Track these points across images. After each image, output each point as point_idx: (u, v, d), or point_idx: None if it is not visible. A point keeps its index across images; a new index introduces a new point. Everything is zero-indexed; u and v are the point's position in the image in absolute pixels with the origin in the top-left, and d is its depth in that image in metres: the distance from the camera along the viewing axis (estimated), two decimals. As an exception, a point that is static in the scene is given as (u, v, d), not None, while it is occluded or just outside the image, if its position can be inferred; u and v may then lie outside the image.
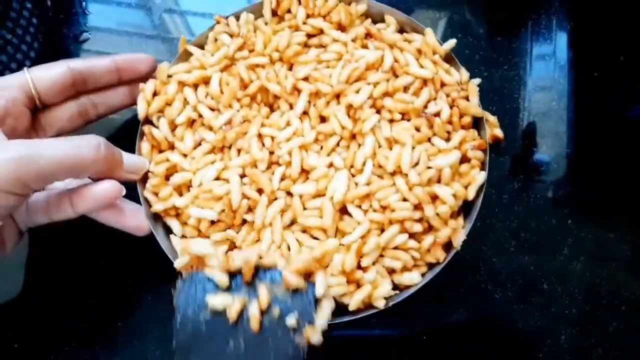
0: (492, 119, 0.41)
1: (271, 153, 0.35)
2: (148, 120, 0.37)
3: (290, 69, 0.37)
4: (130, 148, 0.36)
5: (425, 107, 0.36)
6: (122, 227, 0.34)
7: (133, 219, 0.34)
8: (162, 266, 0.34)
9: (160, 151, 0.37)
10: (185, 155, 0.36)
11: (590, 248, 0.41)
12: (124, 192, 0.33)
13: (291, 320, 0.30)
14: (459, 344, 0.40)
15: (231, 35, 0.37)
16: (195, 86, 0.37)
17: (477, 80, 0.42)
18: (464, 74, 0.37)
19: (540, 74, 0.46)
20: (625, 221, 0.42)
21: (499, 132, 0.41)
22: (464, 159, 0.35)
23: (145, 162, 0.35)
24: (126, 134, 0.37)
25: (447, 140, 0.35)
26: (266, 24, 0.39)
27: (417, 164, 0.34)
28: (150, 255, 0.35)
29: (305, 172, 0.35)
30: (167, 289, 0.33)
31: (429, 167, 0.34)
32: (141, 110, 0.36)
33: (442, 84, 0.37)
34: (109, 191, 0.32)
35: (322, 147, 0.35)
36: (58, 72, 0.34)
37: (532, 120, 0.44)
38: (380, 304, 0.33)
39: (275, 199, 0.34)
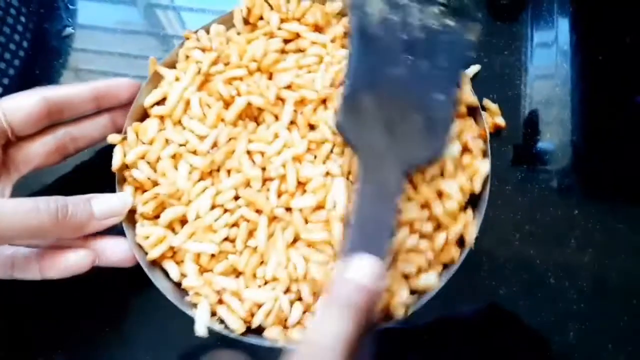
0: (493, 106, 0.40)
1: (263, 169, 0.33)
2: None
3: (270, 78, 0.35)
4: (109, 180, 0.34)
5: None
6: (104, 265, 0.32)
7: (115, 254, 0.32)
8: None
9: (144, 192, 0.34)
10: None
11: (599, 239, 0.39)
12: (97, 261, 0.32)
13: (450, 22, 0.33)
14: (461, 341, 0.38)
15: (203, 50, 0.35)
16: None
17: (477, 67, 0.41)
18: None
19: (542, 59, 0.44)
20: (635, 210, 0.40)
21: (500, 121, 0.40)
22: (465, 150, 0.34)
23: (127, 201, 0.33)
24: (104, 164, 0.34)
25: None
26: (239, 34, 0.37)
27: None
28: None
29: (301, 185, 0.33)
30: (158, 294, 0.31)
31: None
32: (116, 162, 0.34)
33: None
34: (80, 263, 0.31)
35: (315, 157, 0.33)
36: (32, 102, 0.32)
37: (534, 108, 0.42)
38: (400, 312, 0.31)
39: (275, 217, 0.33)
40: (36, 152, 0.34)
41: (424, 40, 0.32)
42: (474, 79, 0.41)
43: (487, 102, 0.40)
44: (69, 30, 0.45)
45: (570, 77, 0.43)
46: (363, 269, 0.26)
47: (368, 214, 0.29)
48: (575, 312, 0.38)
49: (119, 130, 0.35)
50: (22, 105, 0.32)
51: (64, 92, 0.33)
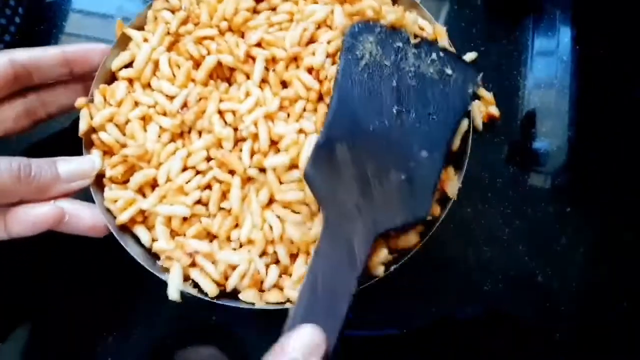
0: (488, 95, 0.38)
1: (235, 129, 0.32)
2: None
3: (242, 37, 0.34)
4: (77, 150, 0.33)
5: None
6: (72, 232, 0.31)
7: (85, 220, 0.31)
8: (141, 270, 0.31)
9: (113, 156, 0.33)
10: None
11: (591, 238, 0.37)
12: (67, 217, 0.30)
13: (448, 70, 0.30)
14: (444, 340, 0.36)
15: (172, 11, 0.34)
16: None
17: (473, 54, 0.40)
18: (429, 18, 0.35)
19: (541, 50, 0.42)
20: (629, 210, 0.38)
21: (494, 110, 0.38)
22: None
23: (95, 162, 0.32)
24: (72, 133, 0.33)
25: None
26: (209, -6, 0.36)
27: None
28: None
29: (274, 144, 0.32)
30: (150, 294, 0.30)
31: None
32: (83, 126, 0.32)
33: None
34: (47, 216, 0.29)
35: (288, 115, 0.33)
36: None
37: (531, 100, 0.40)
38: (380, 271, 0.31)
39: (249, 178, 0.32)
40: (4, 116, 0.32)
41: (416, 89, 0.30)
42: None
43: (481, 91, 0.39)
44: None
45: (569, 70, 0.41)
46: (307, 347, 0.23)
47: (325, 279, 0.26)
48: (563, 313, 0.36)
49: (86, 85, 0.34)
50: None
51: (33, 54, 0.32)
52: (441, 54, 0.31)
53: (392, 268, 0.31)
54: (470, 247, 0.37)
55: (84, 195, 0.32)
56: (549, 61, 0.42)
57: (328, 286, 0.26)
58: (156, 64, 0.33)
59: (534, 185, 0.39)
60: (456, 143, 0.33)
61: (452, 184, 0.32)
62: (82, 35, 0.43)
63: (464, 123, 0.33)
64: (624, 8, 0.43)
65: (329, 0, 0.34)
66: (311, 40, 0.33)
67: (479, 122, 0.38)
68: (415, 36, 0.31)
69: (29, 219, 0.29)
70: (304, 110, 0.33)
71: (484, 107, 0.39)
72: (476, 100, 0.38)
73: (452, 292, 0.36)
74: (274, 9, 0.35)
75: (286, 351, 0.23)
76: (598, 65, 0.42)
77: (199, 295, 0.31)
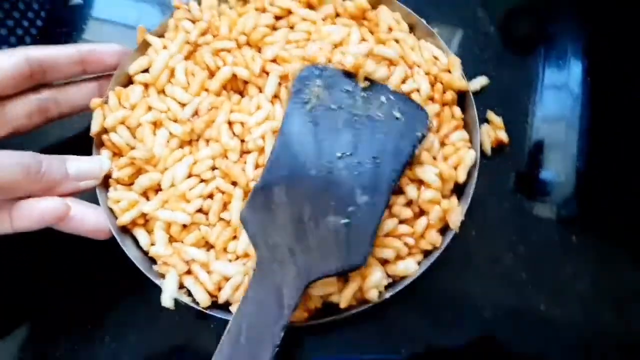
0: (497, 120, 0.38)
1: (242, 141, 0.32)
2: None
3: (259, 52, 0.35)
4: (88, 151, 0.33)
5: (403, 83, 0.33)
6: (75, 232, 0.31)
7: (89, 220, 0.31)
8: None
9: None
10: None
11: (596, 270, 0.36)
12: (71, 211, 0.30)
13: (397, 113, 0.30)
14: None
15: (193, 22, 0.35)
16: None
17: (484, 79, 0.40)
18: (444, 48, 0.35)
19: (552, 79, 0.42)
20: (636, 245, 0.37)
21: (503, 136, 0.38)
22: (444, 142, 0.33)
23: (104, 164, 0.32)
24: (84, 134, 0.33)
25: None
26: (231, 8, 0.36)
27: None
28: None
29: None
30: (150, 298, 0.30)
31: None
32: (95, 126, 0.33)
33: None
34: (52, 209, 0.30)
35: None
36: (13, 60, 0.31)
37: (540, 128, 0.40)
38: (373, 295, 0.30)
39: (250, 190, 0.32)
40: (16, 112, 0.32)
41: (362, 133, 0.30)
42: (480, 91, 0.39)
43: (491, 115, 0.39)
44: (76, 0, 0.45)
45: (580, 99, 0.41)
46: None
47: (250, 328, 0.26)
48: (563, 343, 0.35)
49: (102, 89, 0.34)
50: (3, 63, 0.31)
51: (49, 52, 0.32)
52: (391, 96, 0.31)
53: (387, 295, 0.31)
54: (472, 271, 0.36)
55: (87, 196, 0.32)
56: (559, 90, 0.42)
57: (252, 336, 0.26)
58: (172, 72, 0.34)
59: (540, 213, 0.38)
60: (462, 176, 0.33)
61: (455, 214, 0.32)
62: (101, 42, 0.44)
63: (471, 155, 0.33)
64: (637, 42, 0.43)
65: (347, 22, 0.35)
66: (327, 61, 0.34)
67: (487, 147, 0.38)
68: (366, 79, 0.31)
69: (35, 212, 0.29)
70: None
71: (493, 132, 0.39)
72: (485, 124, 0.38)
73: (452, 316, 0.36)
74: (292, 27, 0.35)
75: None
76: (609, 97, 0.42)
77: (192, 305, 0.30)
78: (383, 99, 0.31)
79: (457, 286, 0.36)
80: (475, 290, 0.36)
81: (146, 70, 0.34)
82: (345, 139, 0.29)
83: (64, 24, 0.44)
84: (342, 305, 0.30)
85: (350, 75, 0.31)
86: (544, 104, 0.41)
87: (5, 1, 0.44)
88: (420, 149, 0.31)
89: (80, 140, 0.34)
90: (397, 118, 0.30)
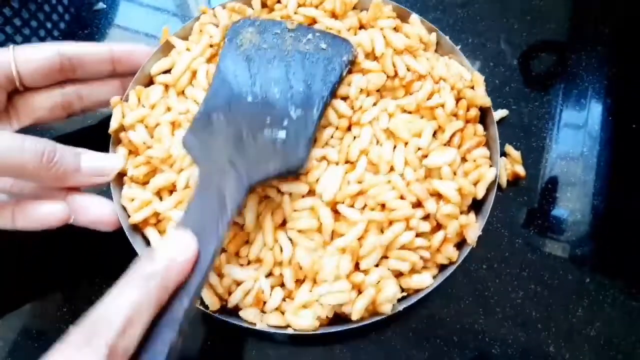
0: (515, 154, 0.39)
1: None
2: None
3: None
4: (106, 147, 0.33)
5: (429, 99, 0.33)
6: (80, 224, 0.31)
7: (95, 212, 0.31)
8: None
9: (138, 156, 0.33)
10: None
11: (608, 315, 0.36)
12: (71, 219, 0.30)
13: (323, 45, 0.33)
14: None
15: (217, 26, 0.35)
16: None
17: (504, 112, 0.40)
18: (467, 65, 0.35)
19: (572, 116, 0.42)
20: None
21: (520, 170, 0.38)
22: (465, 157, 0.33)
23: (117, 162, 0.32)
24: (103, 130, 0.33)
25: (453, 135, 0.33)
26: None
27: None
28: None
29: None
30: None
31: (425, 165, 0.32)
32: (114, 123, 0.33)
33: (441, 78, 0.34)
34: (54, 215, 0.30)
35: (316, 139, 0.33)
36: (46, 54, 0.31)
37: (557, 164, 0.40)
38: (387, 308, 0.30)
39: (266, 196, 0.31)
40: (41, 104, 0.33)
41: (293, 63, 0.32)
42: (500, 123, 0.39)
43: (509, 149, 0.39)
44: (100, 5, 0.46)
45: (599, 138, 0.41)
46: (178, 245, 0.25)
47: (195, 225, 0.27)
48: None
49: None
50: (36, 56, 0.31)
51: (81, 49, 0.33)
52: (317, 33, 0.34)
53: (401, 308, 0.30)
54: (482, 307, 0.36)
55: (102, 192, 0.32)
56: (578, 128, 0.41)
57: (197, 232, 0.26)
58: (194, 73, 0.34)
59: (553, 251, 0.37)
60: (481, 192, 0.32)
61: (473, 229, 0.31)
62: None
63: (492, 173, 0.33)
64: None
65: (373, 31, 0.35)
66: (349, 72, 0.34)
67: (503, 180, 0.37)
68: (292, 22, 0.34)
69: (36, 214, 0.30)
70: (332, 137, 0.33)
71: (510, 165, 0.38)
72: (503, 158, 0.38)
73: (459, 352, 0.35)
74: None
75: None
76: (628, 138, 0.41)
77: (200, 308, 0.30)
78: (310, 36, 0.33)
79: (466, 320, 0.35)
80: (484, 325, 0.35)
81: (167, 72, 0.34)
82: (277, 70, 0.32)
83: (86, 27, 0.45)
84: (354, 317, 0.30)
85: (279, 22, 0.34)
86: (562, 141, 0.41)
87: (31, 2, 0.45)
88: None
89: (98, 136, 0.34)
90: (323, 48, 0.33)
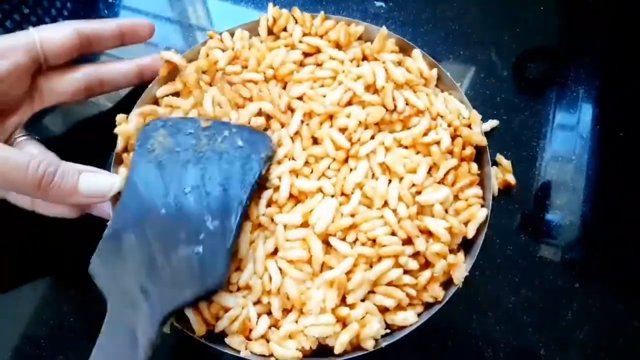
0: (506, 163, 0.39)
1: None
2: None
3: (284, 88, 0.35)
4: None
5: (425, 135, 0.34)
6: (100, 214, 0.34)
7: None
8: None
9: None
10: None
11: (598, 318, 0.37)
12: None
13: (240, 142, 0.31)
14: None
15: (224, 51, 0.36)
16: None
17: (495, 122, 0.41)
18: (466, 102, 0.36)
19: (562, 125, 0.42)
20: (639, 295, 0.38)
21: (511, 179, 0.39)
22: (458, 196, 0.34)
23: (115, 184, 0.32)
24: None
25: (447, 173, 0.33)
26: (262, 42, 0.37)
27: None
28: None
29: (292, 196, 0.32)
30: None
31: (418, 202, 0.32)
32: (120, 144, 0.34)
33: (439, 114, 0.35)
34: (69, 211, 0.32)
35: (312, 171, 0.33)
36: (66, 33, 0.33)
37: (547, 172, 0.41)
38: (369, 344, 0.30)
39: (259, 224, 0.32)
40: (65, 87, 0.34)
41: (208, 166, 0.31)
42: (490, 133, 0.40)
43: (500, 158, 0.39)
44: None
45: (589, 147, 0.42)
46: None
47: None
48: None
49: (143, 74, 0.36)
50: (58, 35, 0.32)
51: (94, 26, 0.34)
52: (233, 129, 0.32)
53: (383, 344, 0.31)
54: (474, 312, 0.37)
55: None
56: (568, 136, 0.42)
57: None
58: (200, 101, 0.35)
59: (544, 257, 0.38)
60: (471, 232, 0.33)
61: (460, 270, 0.32)
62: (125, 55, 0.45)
63: (483, 213, 0.33)
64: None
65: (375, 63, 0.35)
66: (349, 103, 0.34)
67: (495, 189, 0.38)
68: (207, 120, 0.32)
69: (54, 208, 0.33)
70: (328, 168, 0.33)
71: (500, 174, 0.39)
72: (494, 167, 0.38)
73: (453, 356, 0.36)
74: (319, 65, 0.36)
75: None
76: (617, 145, 0.42)
77: (187, 331, 0.30)
78: (226, 132, 0.32)
79: (459, 325, 0.36)
80: (476, 330, 0.36)
81: (174, 94, 0.35)
82: (192, 175, 0.30)
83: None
84: (337, 350, 0.30)
85: (193, 119, 0.32)
86: (553, 149, 0.42)
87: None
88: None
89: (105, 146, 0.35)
90: (240, 146, 0.31)
